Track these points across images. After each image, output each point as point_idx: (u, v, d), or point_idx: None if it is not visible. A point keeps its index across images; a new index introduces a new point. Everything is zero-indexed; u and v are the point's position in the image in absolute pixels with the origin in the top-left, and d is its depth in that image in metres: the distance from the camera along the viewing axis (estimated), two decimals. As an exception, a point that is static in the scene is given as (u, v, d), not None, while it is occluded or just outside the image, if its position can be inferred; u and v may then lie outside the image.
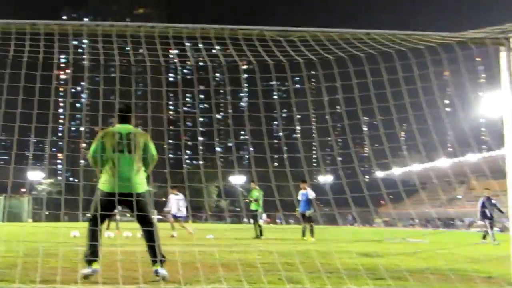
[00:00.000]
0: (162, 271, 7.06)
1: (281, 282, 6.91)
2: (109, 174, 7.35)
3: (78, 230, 19.16)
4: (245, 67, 8.92)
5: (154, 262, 7.17)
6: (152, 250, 7.21)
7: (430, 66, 7.38)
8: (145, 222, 7.37)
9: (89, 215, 7.50)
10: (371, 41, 7.09)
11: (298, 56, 7.33)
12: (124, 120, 7.79)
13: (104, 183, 7.39)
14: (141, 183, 7.44)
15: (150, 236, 7.33)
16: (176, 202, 22.74)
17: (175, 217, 22.63)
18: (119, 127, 7.69)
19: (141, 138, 7.60)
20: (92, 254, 7.12)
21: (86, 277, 6.93)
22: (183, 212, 22.63)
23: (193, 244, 15.56)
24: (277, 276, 7.38)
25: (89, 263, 7.06)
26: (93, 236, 7.23)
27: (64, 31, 7.25)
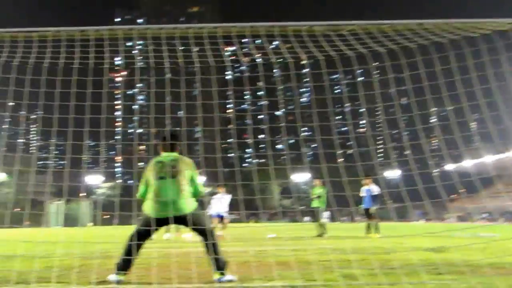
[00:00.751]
0: (228, 277, 7.14)
1: (339, 279, 6.92)
2: (153, 199, 7.46)
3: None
4: (304, 62, 8.92)
5: (217, 269, 7.22)
6: (217, 261, 7.24)
7: (504, 51, 7.20)
8: (204, 235, 7.39)
9: (134, 230, 7.60)
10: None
11: (350, 49, 7.32)
12: (169, 148, 7.88)
13: (148, 207, 7.53)
14: (186, 204, 7.47)
15: (212, 248, 7.35)
16: (219, 201, 22.58)
17: (218, 217, 22.55)
18: (163, 156, 7.82)
19: (186, 166, 7.67)
20: (124, 267, 7.27)
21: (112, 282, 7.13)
22: (224, 212, 22.54)
23: (253, 243, 15.76)
24: (336, 273, 7.42)
25: (118, 272, 7.23)
26: (132, 250, 7.32)
27: (114, 35, 7.39)
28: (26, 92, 8.00)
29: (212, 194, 23.03)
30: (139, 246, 7.39)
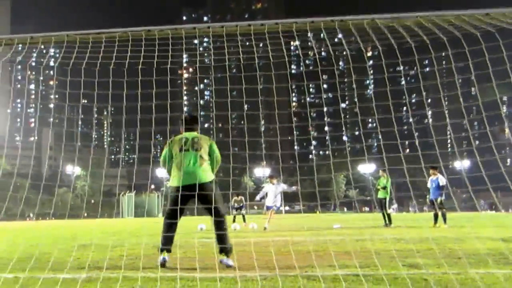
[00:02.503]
0: (228, 261, 7.58)
1: (402, 268, 6.90)
2: (176, 170, 8.14)
3: (204, 223, 20.04)
4: (369, 54, 8.84)
5: (220, 251, 7.71)
6: (220, 240, 7.78)
7: None
8: (213, 212, 7.73)
9: (166, 209, 8.33)
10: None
11: (412, 39, 7.22)
12: (189, 129, 8.61)
13: (172, 179, 8.20)
14: (205, 174, 8.07)
15: (218, 226, 7.88)
16: (273, 193, 22.08)
17: (268, 208, 22.39)
18: (184, 134, 8.49)
19: (205, 141, 8.38)
20: (164, 244, 7.87)
21: (162, 265, 7.58)
22: (277, 203, 22.39)
23: (318, 233, 15.79)
24: (400, 263, 7.38)
25: (161, 251, 7.76)
26: (167, 228, 8.02)
27: (179, 34, 7.55)
28: (105, 93, 8.37)
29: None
30: (173, 223, 8.06)
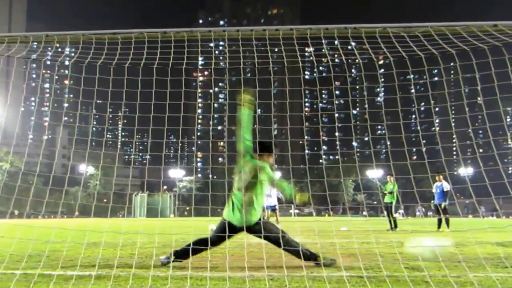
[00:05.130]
0: (319, 263, 7.46)
1: (406, 271, 6.94)
2: (229, 204, 7.84)
3: (215, 224, 20.12)
4: (381, 62, 8.95)
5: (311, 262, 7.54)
6: (302, 256, 7.47)
7: None
8: (277, 243, 7.60)
9: (212, 232, 8.10)
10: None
11: (422, 50, 7.30)
12: (256, 156, 8.09)
13: (225, 212, 7.89)
14: (254, 216, 7.71)
15: (290, 250, 7.62)
16: (269, 192, 22.32)
17: (270, 208, 22.47)
18: (243, 164, 8.02)
19: (260, 170, 7.79)
20: (181, 256, 7.66)
21: (163, 264, 7.56)
22: (272, 202, 22.41)
23: (325, 236, 15.87)
24: (403, 265, 7.44)
25: (175, 256, 7.62)
26: (199, 243, 7.66)
27: (194, 37, 7.59)
28: (120, 92, 8.38)
29: None
30: (203, 247, 7.68)
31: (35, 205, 9.52)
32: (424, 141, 8.53)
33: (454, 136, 8.31)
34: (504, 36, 6.86)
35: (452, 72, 8.84)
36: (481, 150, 8.21)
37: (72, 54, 7.99)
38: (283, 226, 9.17)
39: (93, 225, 23.83)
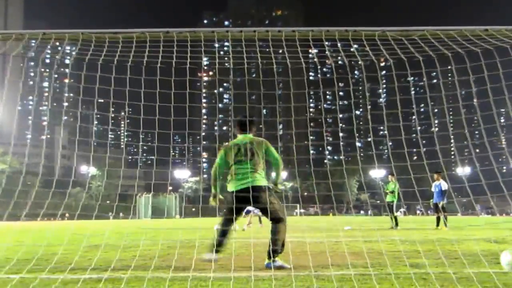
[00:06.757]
0: (276, 263, 7.39)
1: (406, 268, 7.08)
2: (232, 177, 7.94)
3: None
4: (382, 64, 9.08)
5: (269, 256, 7.48)
6: (273, 243, 7.52)
7: None
8: (270, 216, 7.75)
9: (223, 214, 8.15)
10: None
11: (420, 53, 7.43)
12: (244, 130, 8.28)
13: (228, 185, 8.00)
14: (258, 179, 7.84)
15: (274, 230, 7.71)
16: None
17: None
18: (238, 139, 8.24)
19: (260, 146, 8.03)
20: (219, 246, 7.77)
21: (210, 261, 7.43)
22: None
23: (329, 235, 16.00)
24: (403, 263, 7.60)
25: (215, 251, 7.68)
26: (223, 232, 7.88)
27: (197, 37, 7.51)
28: (120, 91, 8.18)
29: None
30: (228, 228, 7.91)
31: (34, 207, 9.41)
32: (424, 142, 8.66)
33: (452, 136, 8.44)
34: (495, 40, 7.02)
35: (449, 74, 8.96)
36: (477, 150, 8.36)
37: (73, 53, 7.87)
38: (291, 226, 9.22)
39: (94, 227, 23.85)
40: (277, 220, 7.75)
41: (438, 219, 21.83)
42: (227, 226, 7.93)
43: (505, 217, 69.31)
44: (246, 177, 7.79)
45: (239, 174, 7.87)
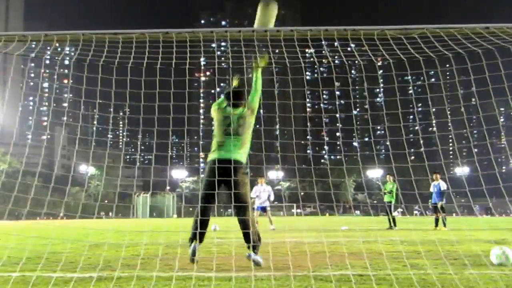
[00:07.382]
0: (256, 257, 7.38)
1: (406, 268, 7.03)
2: (215, 148, 7.89)
3: (218, 224, 20.27)
4: (379, 63, 9.03)
5: (248, 247, 7.48)
6: (246, 236, 7.50)
7: None
8: (238, 199, 7.58)
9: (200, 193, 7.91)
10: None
11: (420, 53, 7.39)
12: (235, 104, 8.17)
13: (210, 154, 7.93)
14: (241, 154, 7.83)
15: (243, 221, 7.60)
16: (260, 194, 22.69)
17: (261, 209, 22.46)
18: (227, 111, 8.15)
19: (249, 116, 8.06)
20: (195, 230, 7.50)
21: (192, 260, 7.32)
22: (263, 203, 22.39)
23: (327, 235, 15.96)
24: (402, 263, 7.55)
25: (191, 241, 7.48)
26: (202, 222, 7.50)
27: (196, 37, 7.45)
28: (120, 91, 8.12)
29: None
30: (207, 218, 7.72)
31: (34, 206, 9.37)
32: (422, 141, 8.62)
33: (450, 136, 8.41)
34: (497, 39, 6.96)
35: (448, 74, 8.94)
36: (476, 150, 8.32)
37: (72, 54, 7.89)
38: (283, 227, 9.20)
39: (94, 226, 23.77)
40: (243, 209, 7.60)
41: (437, 220, 21.76)
42: (206, 211, 7.74)
43: (505, 218, 69.57)
44: (229, 150, 7.72)
45: (224, 146, 7.82)
